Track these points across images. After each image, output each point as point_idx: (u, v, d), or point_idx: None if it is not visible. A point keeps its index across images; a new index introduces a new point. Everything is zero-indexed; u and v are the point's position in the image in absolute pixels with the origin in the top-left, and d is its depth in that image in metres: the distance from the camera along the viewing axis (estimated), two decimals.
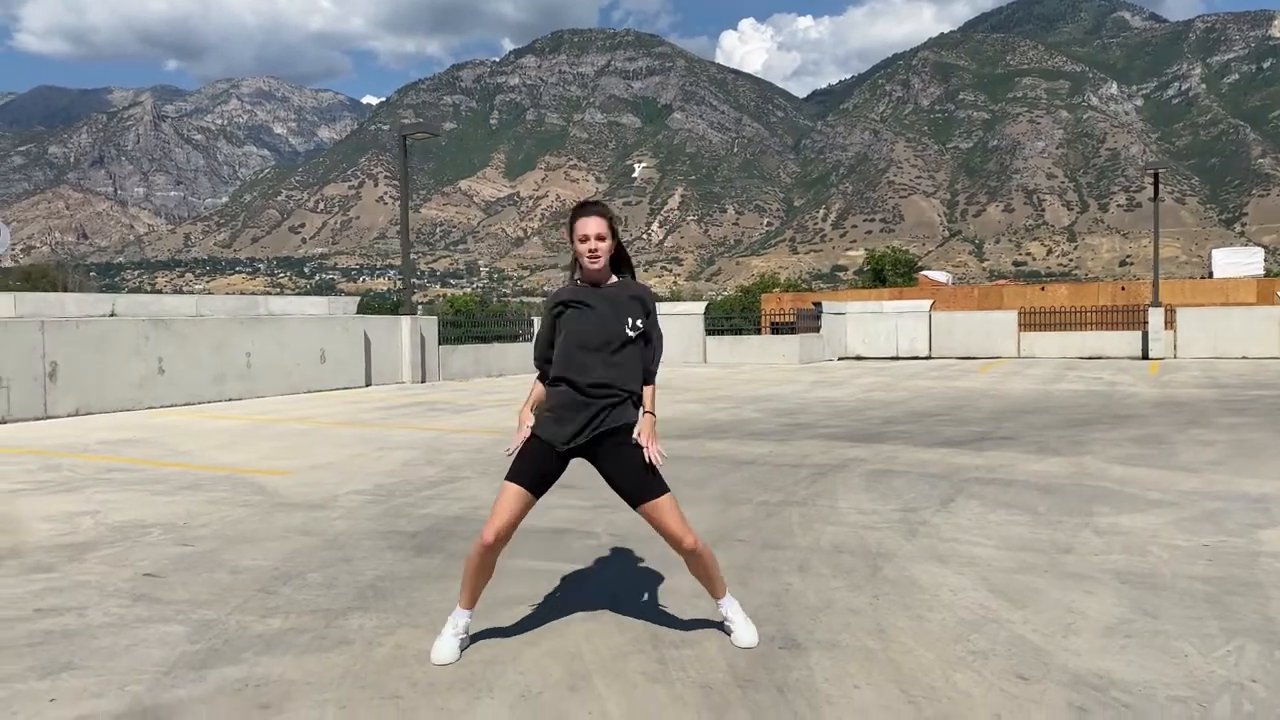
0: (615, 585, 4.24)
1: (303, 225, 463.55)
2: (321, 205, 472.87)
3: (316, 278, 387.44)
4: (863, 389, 15.69)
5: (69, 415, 12.18)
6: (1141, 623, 3.61)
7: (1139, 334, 26.63)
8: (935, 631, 3.54)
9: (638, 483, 3.30)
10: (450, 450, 8.57)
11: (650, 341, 3.41)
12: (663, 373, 20.31)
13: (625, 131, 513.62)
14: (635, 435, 3.31)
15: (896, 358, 27.92)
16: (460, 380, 18.93)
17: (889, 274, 62.71)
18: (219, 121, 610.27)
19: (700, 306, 28.30)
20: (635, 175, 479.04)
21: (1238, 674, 3.10)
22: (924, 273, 55.36)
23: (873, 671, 3.15)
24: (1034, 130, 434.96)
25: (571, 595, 4.08)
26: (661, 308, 27.77)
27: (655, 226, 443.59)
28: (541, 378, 3.49)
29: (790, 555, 4.69)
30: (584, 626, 3.64)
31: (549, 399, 3.39)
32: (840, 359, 27.51)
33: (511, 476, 3.33)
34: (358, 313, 18.37)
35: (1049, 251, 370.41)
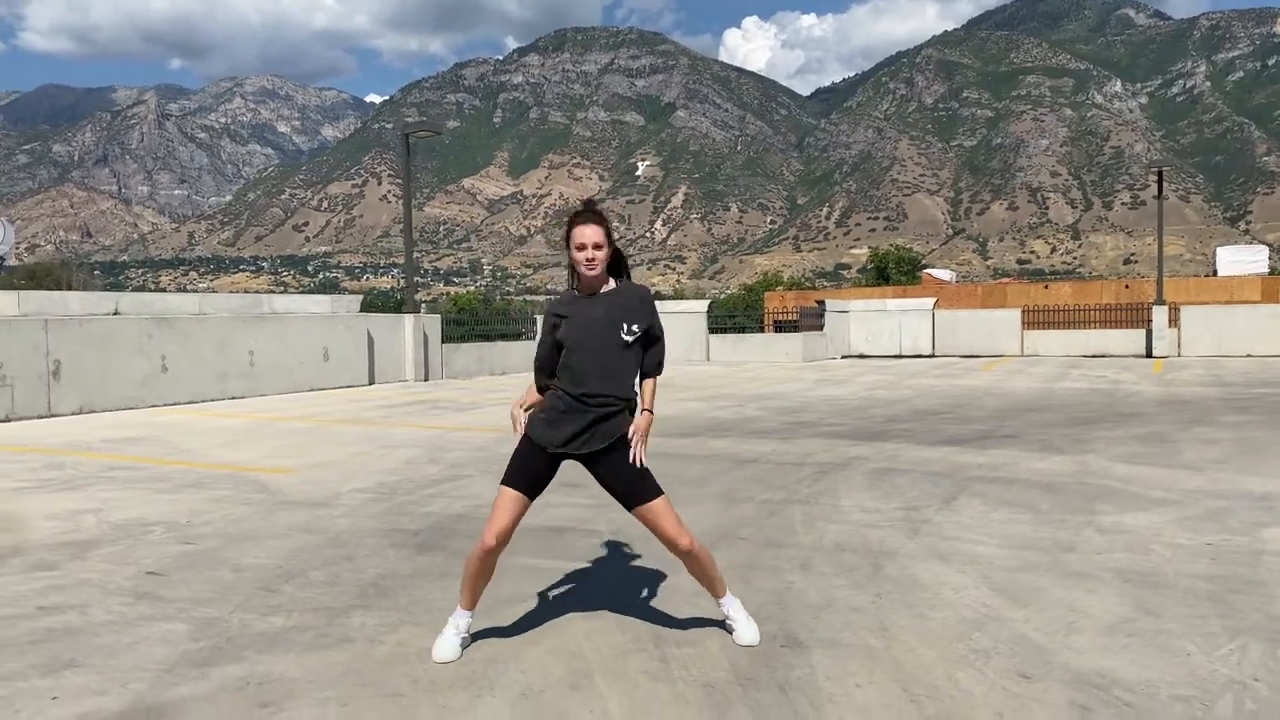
0: (617, 584, 4.24)
1: (306, 224, 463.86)
2: (325, 204, 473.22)
3: (320, 276, 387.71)
4: (866, 387, 15.68)
5: (72, 413, 12.20)
6: (1144, 621, 3.61)
7: (1143, 332, 26.59)
8: (937, 630, 3.53)
9: (631, 486, 3.30)
10: (453, 448, 8.57)
11: (653, 341, 3.39)
12: (666, 371, 20.14)
13: (628, 130, 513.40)
14: (630, 432, 3.30)
15: (900, 356, 27.90)
16: (463, 378, 18.94)
17: (892, 272, 62.68)
18: (223, 120, 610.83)
19: (703, 305, 28.28)
20: (638, 173, 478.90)
21: (1240, 673, 3.09)
22: (927, 271, 55.29)
23: (875, 670, 3.15)
24: (1038, 128, 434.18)
25: (573, 594, 4.08)
26: (664, 306, 27.76)
27: (658, 225, 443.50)
28: (539, 388, 3.49)
29: (793, 553, 4.69)
30: (585, 625, 3.64)
31: (546, 400, 3.39)
32: (843, 357, 27.50)
33: (507, 480, 3.34)
34: (361, 311, 18.38)
35: (1053, 250, 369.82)
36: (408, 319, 18.24)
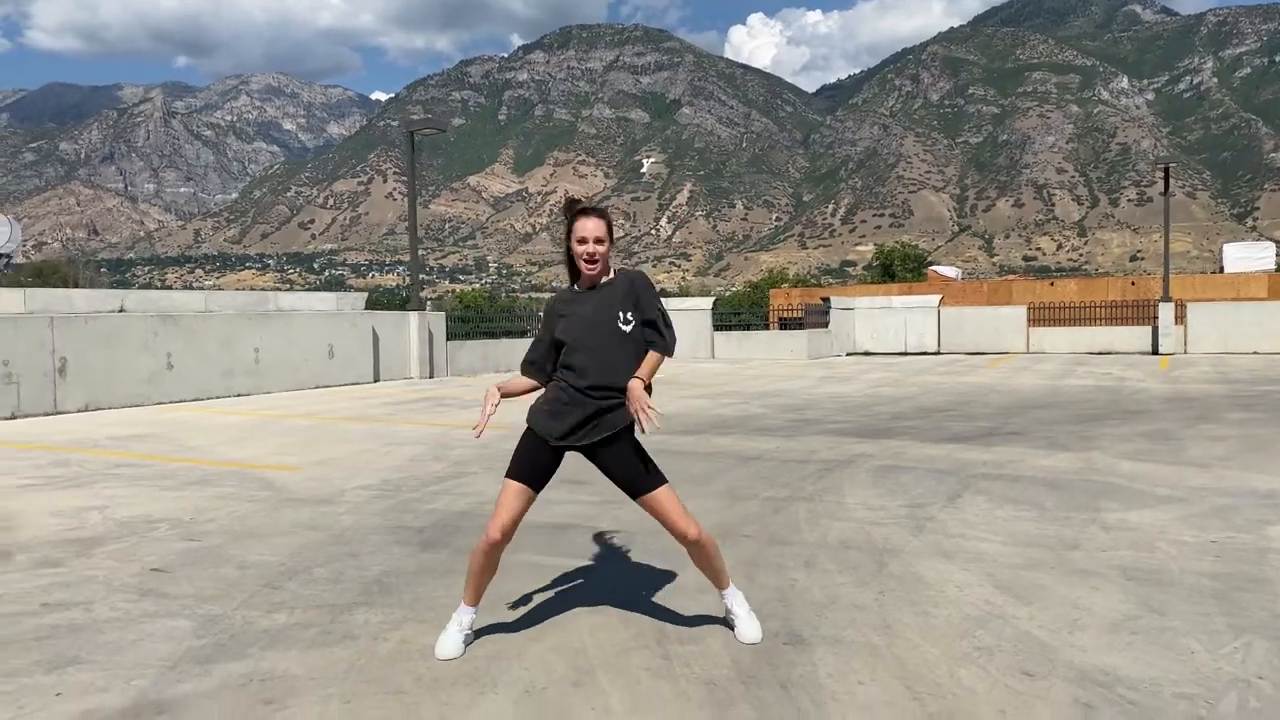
0: (620, 581, 4.24)
1: (312, 221, 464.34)
2: (331, 201, 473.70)
3: (326, 273, 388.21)
4: (871, 384, 15.66)
5: (78, 410, 12.23)
6: (1148, 619, 3.60)
7: (1149, 329, 26.52)
8: (941, 627, 3.53)
9: (634, 476, 3.31)
10: (457, 445, 8.58)
11: (652, 325, 3.33)
12: (670, 368, 20.33)
13: (633, 127, 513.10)
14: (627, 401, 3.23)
15: (905, 353, 27.86)
16: (468, 376, 18.95)
17: (898, 269, 62.57)
18: (229, 118, 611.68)
19: (708, 302, 28.28)
20: (644, 171, 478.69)
21: (1245, 671, 3.08)
22: (933, 268, 55.16)
23: (877, 668, 3.14)
24: (1044, 125, 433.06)
25: (576, 591, 4.08)
26: (670, 303, 27.75)
27: (664, 222, 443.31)
28: (532, 380, 3.49)
29: (796, 551, 4.68)
30: (588, 622, 3.64)
31: (548, 393, 3.40)
32: (849, 354, 27.47)
33: (511, 473, 3.35)
34: (366, 308, 18.40)
35: (1059, 246, 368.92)
36: (412, 316, 18.25)
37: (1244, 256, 37.45)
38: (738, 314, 35.03)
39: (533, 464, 3.34)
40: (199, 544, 4.95)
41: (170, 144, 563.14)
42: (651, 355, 3.30)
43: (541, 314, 3.49)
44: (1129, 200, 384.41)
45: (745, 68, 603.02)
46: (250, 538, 5.08)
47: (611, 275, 3.39)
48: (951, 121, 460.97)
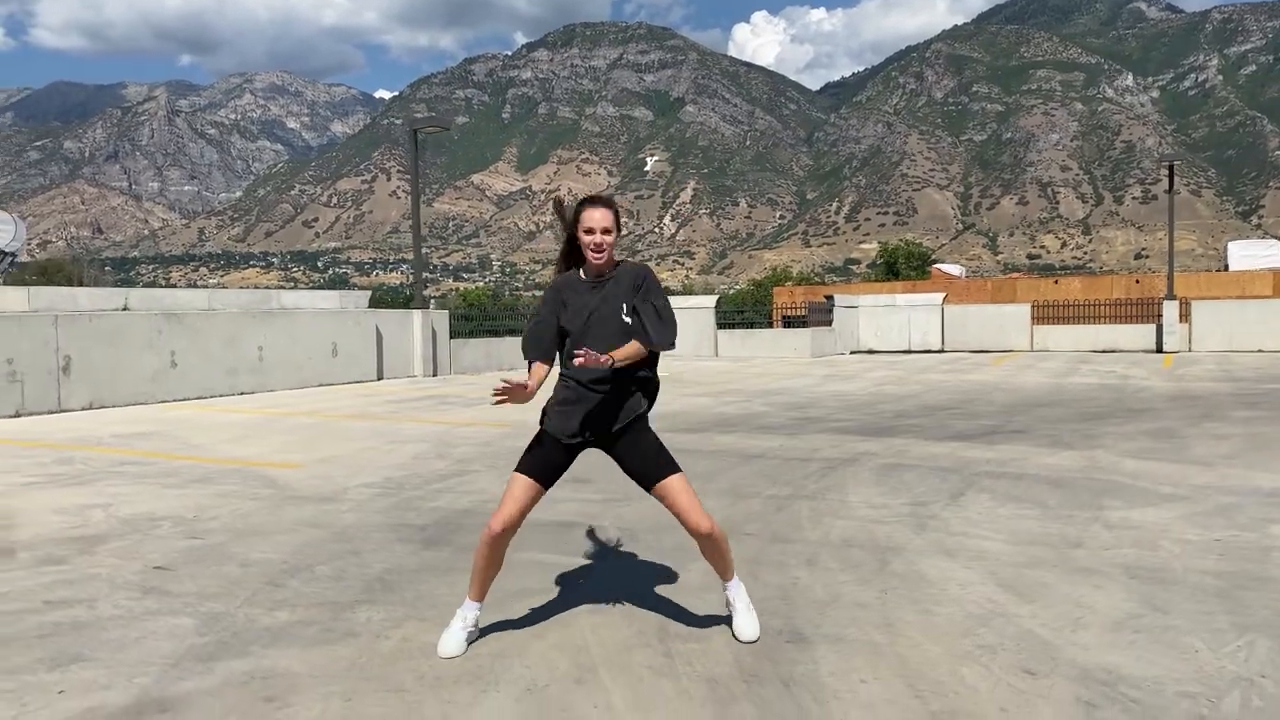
0: (622, 578, 4.24)
1: (316, 219, 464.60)
2: (335, 199, 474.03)
3: (330, 272, 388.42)
4: (874, 382, 15.65)
5: (82, 409, 12.25)
6: (1151, 617, 3.59)
7: (1153, 327, 26.48)
8: (943, 626, 3.52)
9: (648, 464, 3.30)
10: (460, 443, 8.58)
11: (651, 312, 3.26)
12: (674, 366, 20.31)
13: (637, 125, 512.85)
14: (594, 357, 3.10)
15: (909, 351, 27.83)
16: (472, 374, 18.96)
17: (902, 267, 62.55)
18: (232, 116, 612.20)
19: (711, 300, 28.27)
20: (647, 169, 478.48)
21: (1248, 669, 3.07)
22: (937, 266, 55.10)
23: (879, 666, 3.14)
24: (1048, 122, 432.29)
25: (579, 588, 4.08)
26: (673, 301, 27.66)
27: (667, 220, 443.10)
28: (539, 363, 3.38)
29: (799, 549, 4.68)
30: (591, 620, 3.64)
31: (557, 392, 3.39)
32: (852, 352, 27.44)
33: (521, 468, 3.34)
34: (369, 307, 18.42)
35: (1063, 245, 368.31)
36: (416, 314, 18.26)
37: (1249, 254, 37.34)
38: (741, 312, 35.02)
39: (544, 461, 3.33)
40: (202, 542, 4.96)
41: (174, 142, 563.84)
42: (631, 344, 3.20)
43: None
44: (1133, 198, 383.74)
45: (749, 65, 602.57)
46: (253, 535, 5.09)
47: (616, 268, 3.37)
48: (956, 119, 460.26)
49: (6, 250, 28.27)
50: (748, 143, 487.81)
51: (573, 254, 3.41)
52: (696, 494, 3.36)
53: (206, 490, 6.40)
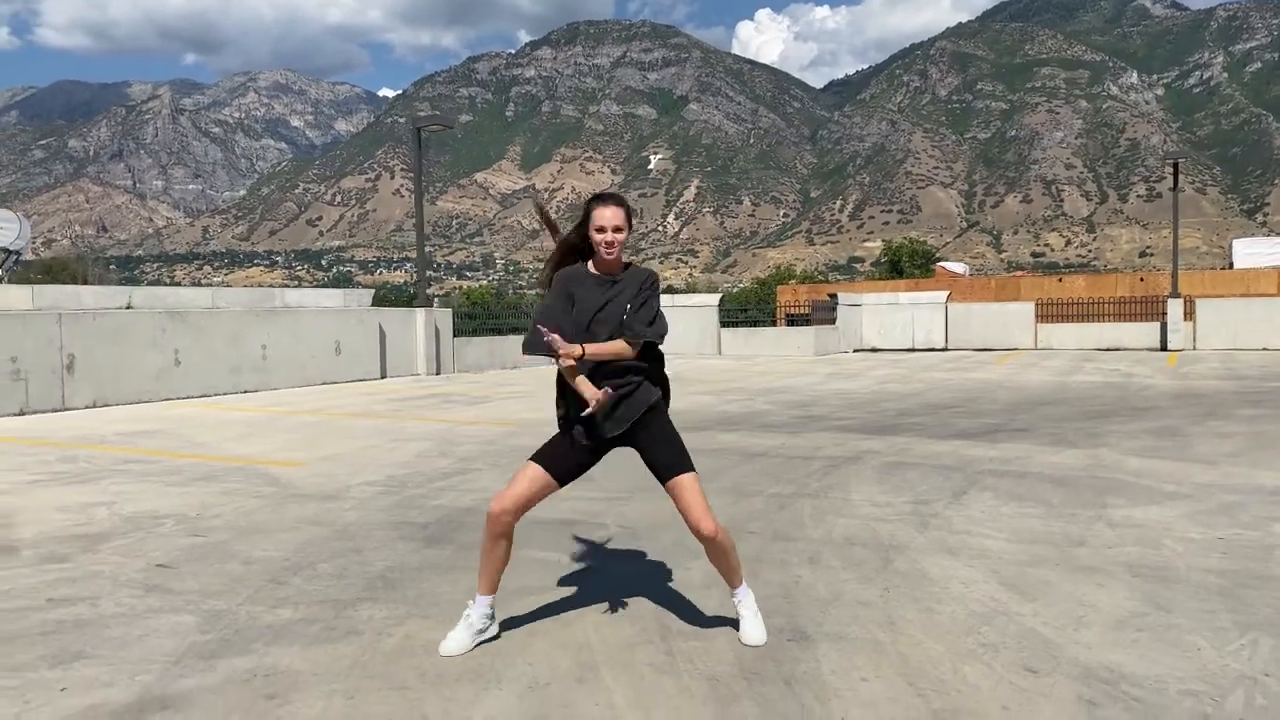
0: (624, 577, 4.24)
1: (320, 218, 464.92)
2: (338, 198, 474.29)
3: (334, 270, 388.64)
4: (877, 381, 15.64)
5: (86, 407, 12.27)
6: (1154, 616, 3.58)
7: (1158, 325, 26.43)
8: (945, 624, 3.52)
9: (667, 457, 3.29)
10: (463, 442, 8.59)
11: (641, 305, 3.23)
12: (676, 365, 20.32)
13: (641, 123, 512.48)
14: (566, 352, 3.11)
15: (912, 349, 27.80)
16: (475, 372, 18.97)
17: (906, 265, 62.43)
18: (236, 115, 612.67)
19: (715, 298, 28.28)
20: (651, 167, 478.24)
21: (1251, 668, 3.07)
22: (941, 264, 55.05)
23: (881, 664, 3.14)
24: (1053, 120, 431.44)
25: (581, 586, 4.08)
26: (676, 300, 27.75)
27: (671, 218, 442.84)
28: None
29: (801, 547, 4.68)
30: (593, 618, 3.64)
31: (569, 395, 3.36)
32: (856, 351, 27.42)
33: (536, 456, 3.33)
34: (373, 305, 18.43)
35: (1067, 242, 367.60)
36: (419, 313, 18.27)
37: (1254, 252, 37.29)
38: (744, 310, 35.02)
39: (563, 456, 3.32)
40: (205, 539, 4.97)
41: (178, 141, 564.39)
42: (616, 342, 3.19)
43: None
44: (1138, 196, 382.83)
45: (753, 63, 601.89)
46: (255, 533, 5.10)
47: (625, 270, 3.34)
48: (960, 117, 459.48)
49: (11, 249, 28.30)
50: (751, 141, 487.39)
51: (564, 260, 3.39)
52: (706, 498, 3.35)
53: (209, 488, 6.40)
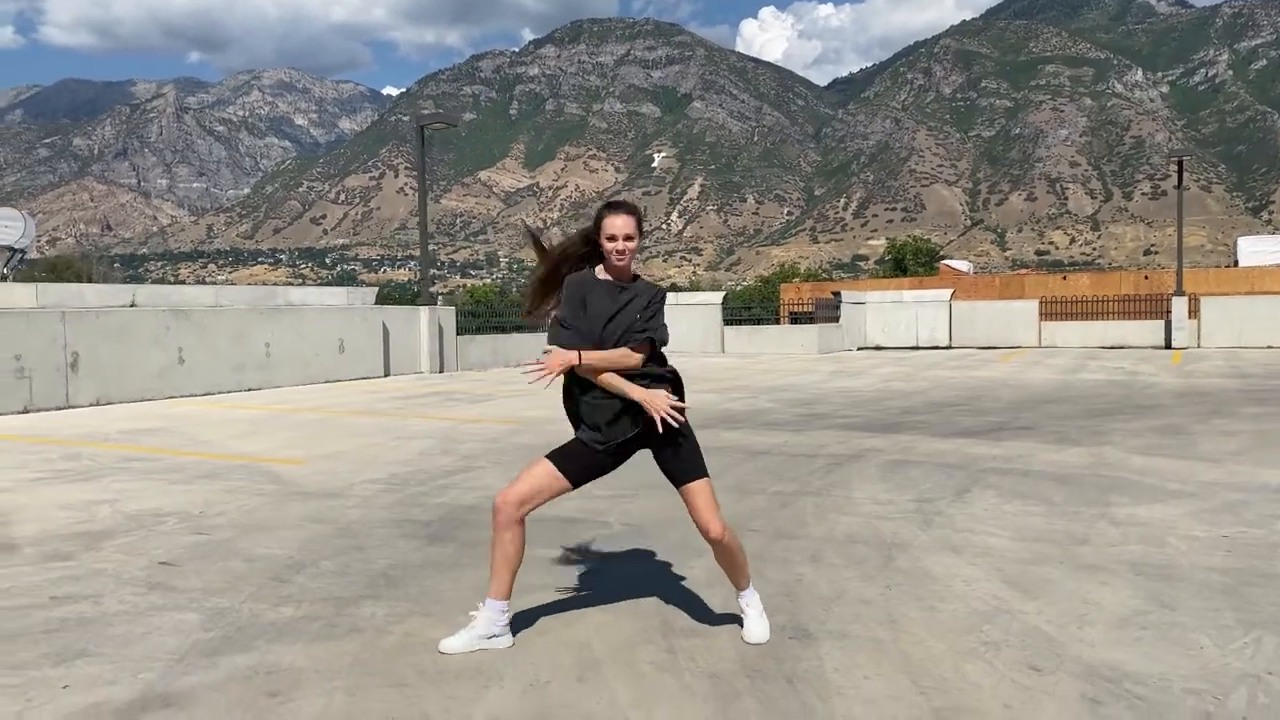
0: (627, 575, 4.24)
1: (324, 216, 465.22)
2: (342, 196, 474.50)
3: (338, 268, 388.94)
4: (881, 379, 15.62)
5: (90, 405, 12.29)
6: (1157, 614, 3.58)
7: (1162, 323, 26.37)
8: (947, 622, 3.51)
9: (681, 461, 3.29)
10: (466, 440, 8.59)
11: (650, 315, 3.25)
12: (680, 363, 20.18)
13: (644, 121, 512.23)
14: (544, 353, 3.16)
15: (916, 348, 27.77)
16: (478, 370, 18.98)
17: (910, 263, 62.40)
18: (240, 113, 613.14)
19: (718, 297, 28.25)
20: (654, 165, 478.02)
21: (1254, 666, 3.06)
22: (945, 262, 54.98)
23: (883, 662, 3.13)
24: (1057, 118, 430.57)
25: (583, 584, 4.08)
26: (680, 298, 27.74)
27: (675, 216, 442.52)
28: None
29: (803, 545, 4.67)
30: (594, 616, 3.64)
31: (580, 406, 3.35)
32: (859, 349, 27.40)
33: (551, 455, 3.32)
34: (376, 303, 18.45)
35: (1072, 240, 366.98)
36: (423, 311, 18.28)
37: (1258, 250, 37.22)
38: (748, 308, 35.01)
39: (580, 457, 3.30)
40: (207, 537, 4.97)
41: (183, 139, 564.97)
42: (623, 349, 3.21)
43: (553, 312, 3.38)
44: (1143, 194, 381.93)
45: (757, 61, 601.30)
46: (258, 531, 5.10)
47: (635, 282, 3.31)
48: (964, 115, 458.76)
49: (16, 247, 28.38)
50: (755, 139, 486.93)
51: (549, 280, 3.37)
52: (717, 501, 3.33)
53: (212, 486, 6.41)
